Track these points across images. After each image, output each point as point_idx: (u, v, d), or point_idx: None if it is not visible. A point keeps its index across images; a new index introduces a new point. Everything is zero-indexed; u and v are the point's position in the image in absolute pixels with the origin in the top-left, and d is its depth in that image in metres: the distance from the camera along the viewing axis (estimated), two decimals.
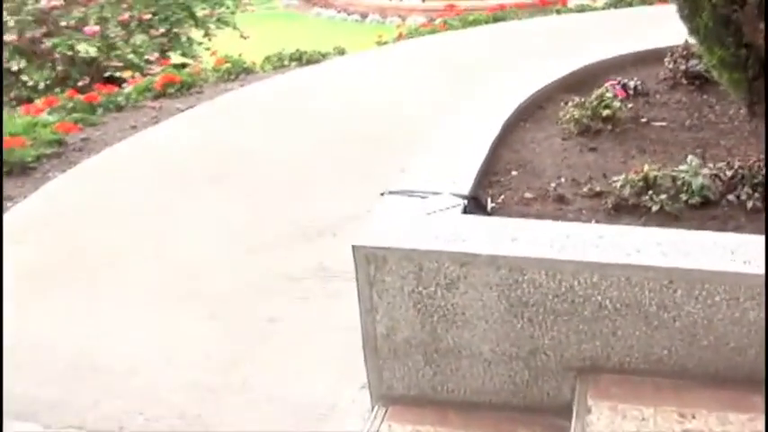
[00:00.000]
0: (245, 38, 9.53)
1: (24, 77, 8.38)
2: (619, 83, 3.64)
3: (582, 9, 9.38)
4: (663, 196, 2.51)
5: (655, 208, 2.50)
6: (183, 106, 6.24)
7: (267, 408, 2.72)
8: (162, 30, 9.03)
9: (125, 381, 2.88)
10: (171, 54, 9.41)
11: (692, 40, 3.28)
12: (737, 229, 2.42)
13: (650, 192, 2.54)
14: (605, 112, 3.20)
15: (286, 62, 7.63)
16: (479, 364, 2.43)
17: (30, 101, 7.49)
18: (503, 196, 2.77)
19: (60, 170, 5.02)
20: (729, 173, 2.57)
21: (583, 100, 3.32)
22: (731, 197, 2.55)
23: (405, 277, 2.37)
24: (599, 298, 2.25)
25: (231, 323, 3.21)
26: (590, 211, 2.61)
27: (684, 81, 3.70)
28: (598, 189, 2.70)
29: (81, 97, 6.55)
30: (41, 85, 8.19)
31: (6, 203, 4.45)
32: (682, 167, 2.58)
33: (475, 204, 2.65)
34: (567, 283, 2.25)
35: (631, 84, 3.63)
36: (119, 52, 8.64)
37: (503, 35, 8.05)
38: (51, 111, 6.18)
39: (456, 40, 8.12)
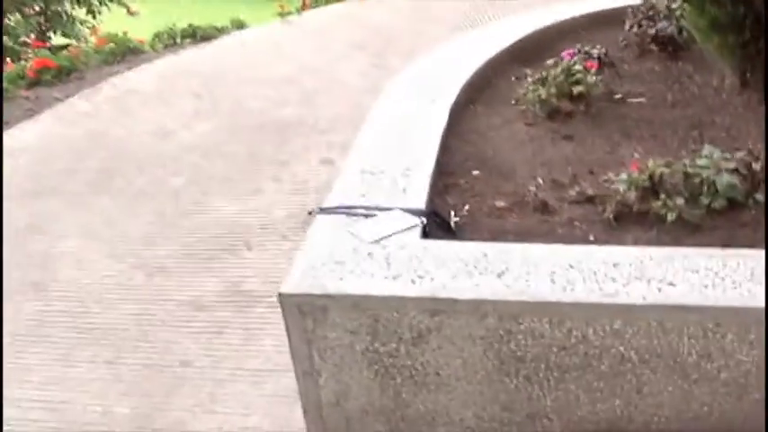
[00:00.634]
0: (132, 14, 8.64)
1: None
2: (579, 51, 3.08)
3: None
4: (679, 200, 1.95)
5: (671, 217, 1.93)
6: (62, 95, 5.43)
7: None
8: (37, 8, 8.04)
9: None
10: (51, 35, 8.46)
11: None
12: None
13: (662, 195, 1.98)
14: (577, 90, 2.63)
15: (178, 39, 6.82)
16: None
17: None
18: (467, 206, 2.17)
19: None
20: (758, 166, 2.01)
21: (544, 75, 2.75)
22: (759, 196, 2.00)
23: (355, 332, 1.77)
24: (621, 349, 1.69)
25: (133, 369, 2.53)
26: (584, 222, 2.03)
27: (654, 47, 3.18)
28: (589, 192, 2.12)
29: None
30: None
31: None
32: (700, 162, 2.01)
33: (435, 221, 2.04)
34: (578, 333, 1.67)
35: (594, 52, 3.07)
36: None
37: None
38: None
39: (370, 6, 7.41)
